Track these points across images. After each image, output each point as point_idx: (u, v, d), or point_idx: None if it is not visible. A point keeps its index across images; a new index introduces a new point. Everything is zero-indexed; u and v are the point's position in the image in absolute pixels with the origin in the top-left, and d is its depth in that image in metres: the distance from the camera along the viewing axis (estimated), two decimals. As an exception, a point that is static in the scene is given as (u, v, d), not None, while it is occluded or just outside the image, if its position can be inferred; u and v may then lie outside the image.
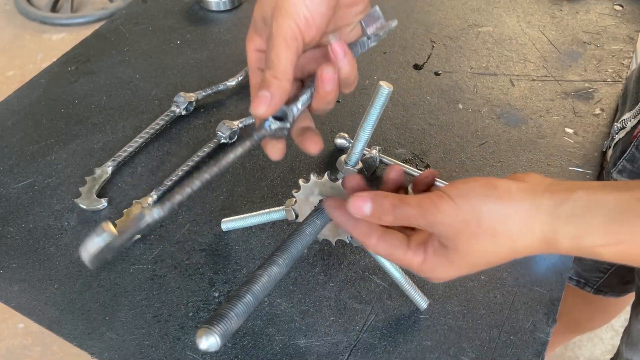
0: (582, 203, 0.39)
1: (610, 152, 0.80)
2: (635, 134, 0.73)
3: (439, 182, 0.74)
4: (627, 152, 0.74)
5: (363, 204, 0.46)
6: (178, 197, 0.45)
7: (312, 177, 0.56)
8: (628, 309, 0.88)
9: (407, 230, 0.49)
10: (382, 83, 0.50)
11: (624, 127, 0.77)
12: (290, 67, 0.44)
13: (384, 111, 0.52)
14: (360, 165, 0.55)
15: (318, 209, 0.57)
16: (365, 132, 0.52)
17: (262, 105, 0.43)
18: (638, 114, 0.74)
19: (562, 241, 0.40)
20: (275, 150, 0.49)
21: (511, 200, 0.41)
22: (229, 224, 0.69)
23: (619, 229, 0.38)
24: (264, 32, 0.47)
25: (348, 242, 0.59)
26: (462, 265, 0.44)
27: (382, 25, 0.47)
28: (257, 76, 0.49)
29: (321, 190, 0.57)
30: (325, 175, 0.56)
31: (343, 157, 0.77)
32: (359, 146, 0.53)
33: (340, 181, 0.55)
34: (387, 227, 0.48)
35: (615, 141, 0.79)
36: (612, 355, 0.91)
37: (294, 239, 0.51)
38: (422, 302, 0.63)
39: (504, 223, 0.41)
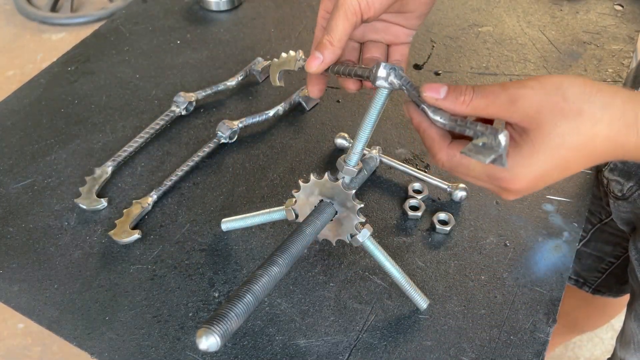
0: None
1: None
2: None
3: (440, 183, 0.74)
4: None
5: (440, 87, 0.45)
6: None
7: (312, 178, 0.56)
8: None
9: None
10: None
11: None
12: (345, 36, 0.51)
13: (384, 111, 0.52)
14: (360, 165, 0.55)
15: (318, 209, 0.57)
16: (365, 132, 0.52)
17: (315, 64, 0.52)
18: None
19: None
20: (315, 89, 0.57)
21: (593, 84, 0.41)
22: (229, 224, 0.69)
23: None
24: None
25: (348, 242, 0.59)
26: (551, 154, 0.42)
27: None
28: (321, 33, 0.55)
29: (321, 191, 0.57)
30: (326, 176, 0.56)
31: (343, 157, 0.77)
32: (358, 146, 0.53)
33: (340, 181, 0.55)
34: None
35: None
36: (610, 356, 0.91)
37: (294, 239, 0.51)
38: (422, 302, 0.63)
39: (587, 101, 0.41)
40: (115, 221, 0.71)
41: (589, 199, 0.75)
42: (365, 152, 0.76)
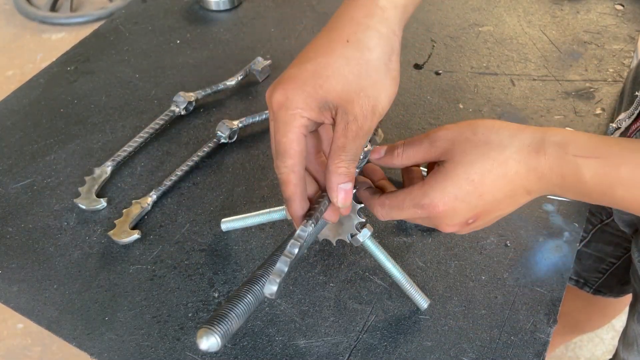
0: (569, 130, 0.47)
1: None
2: (628, 134, 0.73)
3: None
4: None
5: (380, 148, 0.54)
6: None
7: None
8: (627, 310, 0.88)
9: None
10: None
11: (619, 128, 0.77)
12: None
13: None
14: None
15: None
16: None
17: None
18: (632, 114, 0.74)
19: (549, 149, 0.45)
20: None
21: (503, 122, 0.49)
22: (228, 224, 0.69)
23: (599, 144, 0.45)
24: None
25: (348, 242, 0.59)
26: (458, 179, 0.47)
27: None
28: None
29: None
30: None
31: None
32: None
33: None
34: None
35: None
36: (612, 356, 0.91)
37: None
38: (422, 302, 0.63)
39: (496, 133, 0.47)
40: (115, 221, 0.71)
41: (589, 199, 0.75)
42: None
